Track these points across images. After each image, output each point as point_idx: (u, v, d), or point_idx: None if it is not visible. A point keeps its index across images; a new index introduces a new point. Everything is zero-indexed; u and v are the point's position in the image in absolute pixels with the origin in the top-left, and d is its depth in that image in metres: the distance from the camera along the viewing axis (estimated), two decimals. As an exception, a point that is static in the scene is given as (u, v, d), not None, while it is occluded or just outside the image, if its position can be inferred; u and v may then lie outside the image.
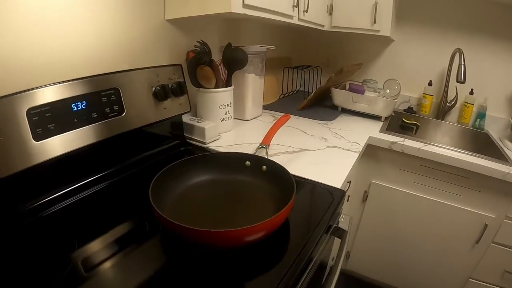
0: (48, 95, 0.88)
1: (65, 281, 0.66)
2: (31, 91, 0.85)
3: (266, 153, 1.11)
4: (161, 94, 1.14)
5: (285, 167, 0.97)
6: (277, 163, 0.99)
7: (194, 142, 1.36)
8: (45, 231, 0.82)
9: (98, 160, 1.04)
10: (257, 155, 1.06)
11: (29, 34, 0.94)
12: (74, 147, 0.93)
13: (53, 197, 0.92)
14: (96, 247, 0.77)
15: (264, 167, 1.02)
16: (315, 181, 1.09)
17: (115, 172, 1.08)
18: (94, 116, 0.98)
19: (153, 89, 1.14)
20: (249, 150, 1.26)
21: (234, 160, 1.04)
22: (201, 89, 1.39)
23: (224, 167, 1.04)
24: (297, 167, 1.16)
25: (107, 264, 0.71)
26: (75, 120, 0.94)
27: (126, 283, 0.67)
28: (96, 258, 0.73)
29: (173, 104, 1.21)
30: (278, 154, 1.27)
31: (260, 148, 1.14)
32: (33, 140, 0.83)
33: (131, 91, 1.06)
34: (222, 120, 1.45)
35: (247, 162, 1.05)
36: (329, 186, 1.06)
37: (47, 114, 0.87)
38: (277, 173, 0.96)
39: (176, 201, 0.91)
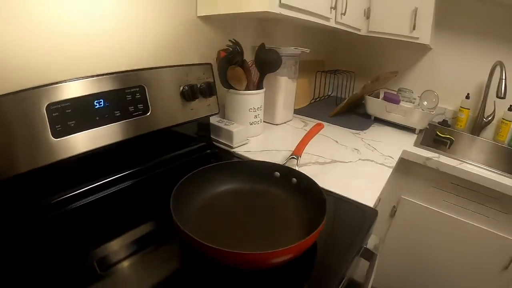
0: (69, 90, 0.82)
1: (79, 278, 0.65)
2: (51, 86, 0.79)
3: (297, 164, 1.02)
4: (189, 94, 1.07)
5: (315, 179, 0.88)
6: (308, 177, 0.89)
7: (221, 145, 1.28)
8: (66, 226, 0.80)
9: (121, 159, 0.99)
10: (287, 166, 0.96)
11: (52, 25, 0.89)
12: (94, 146, 0.88)
13: (76, 193, 0.89)
14: (113, 246, 0.74)
15: (294, 179, 0.93)
16: (346, 197, 0.99)
17: (138, 172, 1.03)
18: (117, 114, 0.92)
19: (181, 88, 1.07)
20: (278, 157, 1.19)
21: (262, 170, 0.96)
22: (231, 90, 1.31)
23: (251, 177, 0.96)
24: (328, 180, 1.06)
25: (122, 265, 0.69)
26: (97, 118, 0.88)
27: (137, 286, 0.64)
28: (112, 257, 0.70)
29: (201, 105, 1.14)
30: (308, 164, 1.16)
31: (290, 158, 1.04)
32: (52, 137, 0.78)
33: (157, 89, 1.00)
34: (251, 124, 1.36)
35: (276, 173, 0.96)
36: (361, 204, 0.96)
37: (67, 111, 0.82)
38: (307, 187, 0.87)
39: (198, 210, 0.84)
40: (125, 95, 0.94)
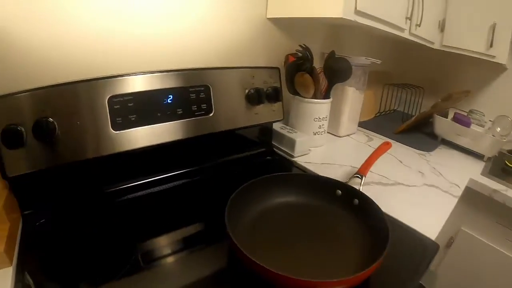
0: (132, 84, 0.80)
1: (122, 267, 0.65)
2: (114, 79, 0.78)
3: (361, 184, 0.92)
4: (255, 98, 1.02)
5: (376, 201, 0.80)
6: (372, 201, 0.80)
7: (282, 153, 1.22)
8: (121, 214, 0.82)
9: (179, 157, 0.98)
10: (350, 186, 0.88)
11: (120, 18, 0.89)
12: (153, 143, 0.85)
13: (133, 185, 0.91)
14: (160, 241, 0.74)
15: (356, 200, 0.84)
16: (406, 225, 0.88)
17: (195, 172, 1.01)
18: (179, 112, 0.89)
19: (246, 91, 1.02)
20: (339, 173, 1.11)
21: (324, 186, 0.89)
22: (297, 97, 1.25)
23: (311, 191, 0.89)
24: (389, 204, 0.94)
25: (165, 261, 0.68)
26: (158, 114, 0.86)
27: (176, 284, 0.63)
28: (157, 252, 0.71)
29: (265, 110, 1.08)
30: (371, 183, 1.06)
31: (354, 177, 0.95)
32: (112, 129, 0.78)
33: (222, 90, 0.96)
34: (315, 134, 1.29)
35: (338, 191, 0.88)
36: (422, 235, 0.85)
37: (129, 104, 0.80)
38: (369, 212, 0.79)
39: (252, 221, 0.80)
40: (189, 93, 0.90)
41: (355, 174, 0.97)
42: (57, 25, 0.81)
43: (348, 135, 1.56)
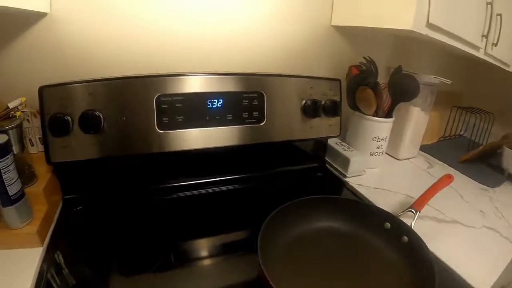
0: (182, 84, 0.78)
1: (153, 262, 0.65)
2: (164, 78, 0.76)
3: (414, 220, 0.80)
4: (311, 110, 0.94)
5: (428, 239, 0.69)
6: (422, 242, 0.69)
7: (334, 171, 1.12)
8: (158, 213, 0.82)
9: (226, 163, 0.95)
10: (402, 220, 0.77)
11: (182, 17, 0.89)
12: (199, 147, 0.83)
13: (174, 185, 0.90)
14: (196, 244, 0.75)
15: (406, 238, 0.74)
16: (457, 274, 0.75)
17: (241, 180, 0.97)
18: (229, 118, 0.85)
19: (303, 102, 0.94)
20: (392, 201, 0.98)
21: (372, 215, 0.80)
22: (357, 113, 1.14)
23: (357, 219, 0.80)
24: (441, 244, 0.81)
25: (196, 264, 0.69)
26: (207, 118, 0.82)
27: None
28: (191, 254, 0.71)
29: (322, 124, 1.00)
30: (424, 218, 0.94)
31: (407, 211, 0.84)
32: (157, 128, 0.77)
33: (277, 99, 0.90)
34: (372, 154, 1.17)
35: (387, 224, 0.78)
36: None
37: (177, 105, 0.78)
38: (417, 253, 0.69)
39: (287, 246, 0.72)
40: (242, 99, 0.85)
41: (409, 208, 0.86)
42: (121, 21, 0.83)
43: (407, 159, 1.43)
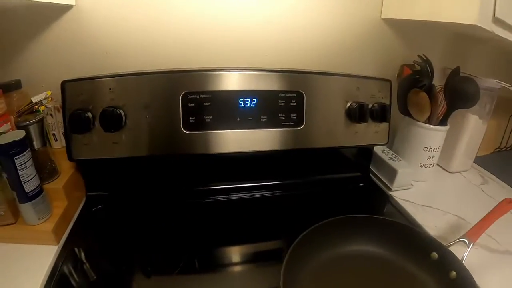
0: (211, 81, 0.71)
1: (176, 264, 0.62)
2: (192, 73, 0.71)
3: (466, 253, 0.66)
4: (357, 114, 0.82)
5: (478, 271, 0.60)
6: (473, 281, 0.57)
7: (378, 182, 1.00)
8: (184, 216, 0.78)
9: (258, 167, 0.89)
10: (452, 252, 0.65)
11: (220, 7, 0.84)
12: (228, 150, 0.75)
13: (201, 189, 0.86)
14: (222, 250, 0.70)
15: (454, 273, 0.61)
16: None
17: (274, 187, 0.90)
18: (264, 120, 0.76)
19: (348, 105, 0.83)
20: (441, 222, 0.84)
21: (419, 243, 0.67)
22: (407, 118, 1.02)
23: (400, 245, 0.68)
24: (492, 279, 0.68)
25: (219, 270, 0.65)
26: (238, 119, 0.74)
27: None
28: (215, 260, 0.67)
29: (368, 130, 0.88)
30: (475, 246, 0.78)
31: (459, 240, 0.69)
32: (182, 129, 0.71)
33: (318, 100, 0.80)
34: (421, 166, 1.02)
35: (434, 254, 0.66)
36: None
37: (205, 104, 0.71)
38: None
39: (317, 269, 0.63)
40: (278, 99, 0.76)
41: (461, 237, 0.71)
42: (151, 10, 0.81)
43: (459, 172, 1.27)
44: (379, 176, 1.02)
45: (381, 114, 0.85)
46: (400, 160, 1.00)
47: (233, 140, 0.74)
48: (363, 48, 1.01)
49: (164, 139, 0.71)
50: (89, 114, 0.66)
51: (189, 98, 0.69)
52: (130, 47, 0.83)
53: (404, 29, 1.05)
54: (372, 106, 0.85)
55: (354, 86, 0.83)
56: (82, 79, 0.66)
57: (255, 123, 0.75)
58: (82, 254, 0.63)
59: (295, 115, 0.77)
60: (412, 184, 1.00)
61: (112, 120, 0.66)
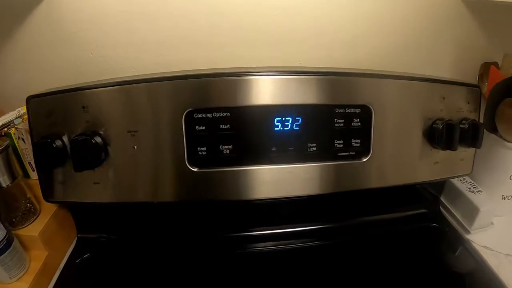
0: (230, 91, 0.49)
1: None
2: (199, 79, 0.49)
3: None
4: (443, 137, 0.57)
5: None
6: None
7: (450, 218, 0.76)
8: (209, 273, 0.59)
9: (294, 210, 0.67)
10: None
11: None
12: (258, 196, 0.54)
13: (227, 237, 0.65)
14: None
15: None
16: None
17: (317, 232, 0.68)
18: (312, 149, 0.53)
19: (431, 123, 0.58)
20: None
21: None
22: (493, 135, 0.76)
23: None
24: None
25: None
26: (273, 149, 0.52)
27: None
28: None
29: (451, 158, 0.63)
30: None
31: None
32: (188, 165, 0.51)
33: (390, 117, 0.56)
34: (504, 198, 0.79)
35: None
36: None
37: (222, 126, 0.50)
38: None
39: None
40: (333, 117, 0.52)
41: None
42: None
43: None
44: (451, 209, 0.79)
45: (472, 136, 0.60)
46: (481, 192, 0.77)
47: (266, 181, 0.52)
48: (435, 40, 0.76)
49: (161, 179, 0.51)
50: (59, 142, 0.49)
51: (197, 119, 0.48)
52: (120, 46, 0.66)
53: (487, 12, 0.79)
54: (461, 123, 0.60)
55: (437, 95, 0.58)
56: (49, 94, 0.50)
57: (300, 155, 0.52)
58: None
59: (358, 141, 0.54)
60: (492, 223, 0.78)
61: (84, 154, 0.47)
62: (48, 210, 0.59)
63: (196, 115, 0.48)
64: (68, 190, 0.54)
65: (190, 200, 0.54)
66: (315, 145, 0.53)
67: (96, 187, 0.52)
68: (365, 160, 0.55)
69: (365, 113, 0.53)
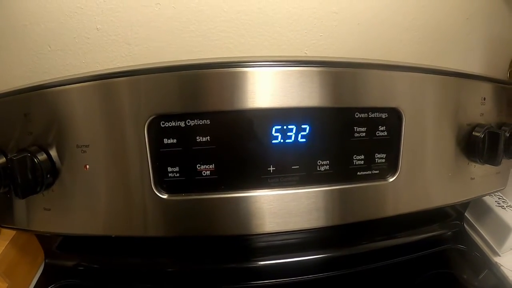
0: (211, 89, 0.34)
1: None
2: (170, 74, 0.33)
3: None
4: (484, 146, 0.42)
5: None
6: None
7: (476, 237, 0.63)
8: None
9: (299, 239, 0.53)
10: None
11: None
12: (251, 231, 0.39)
13: (219, 269, 0.50)
14: None
15: None
16: None
17: (330, 262, 0.53)
18: (324, 167, 0.37)
19: (470, 131, 0.43)
20: None
21: None
22: None
23: None
24: None
25: None
26: (271, 169, 0.37)
27: None
28: None
29: (487, 173, 0.48)
30: None
31: None
32: (155, 190, 0.35)
33: (423, 124, 0.40)
34: (533, 214, 0.71)
35: None
36: None
37: (200, 139, 0.34)
38: None
39: None
40: (352, 125, 0.37)
41: None
42: None
43: None
44: (479, 229, 0.65)
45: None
46: (511, 206, 0.64)
47: (261, 212, 0.37)
48: (468, 32, 0.61)
49: (121, 209, 0.36)
50: (3, 159, 0.37)
51: (165, 128, 0.33)
52: (82, 36, 0.50)
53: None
54: (506, 130, 0.45)
55: (477, 96, 0.43)
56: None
57: (306, 177, 0.37)
58: None
59: (384, 155, 0.38)
60: (520, 242, 0.67)
61: (23, 176, 0.34)
62: (5, 234, 0.48)
63: (163, 124, 0.33)
64: (17, 215, 0.42)
65: (158, 237, 0.39)
66: (327, 162, 0.37)
67: (47, 214, 0.39)
68: (391, 180, 0.40)
69: (394, 118, 0.38)
